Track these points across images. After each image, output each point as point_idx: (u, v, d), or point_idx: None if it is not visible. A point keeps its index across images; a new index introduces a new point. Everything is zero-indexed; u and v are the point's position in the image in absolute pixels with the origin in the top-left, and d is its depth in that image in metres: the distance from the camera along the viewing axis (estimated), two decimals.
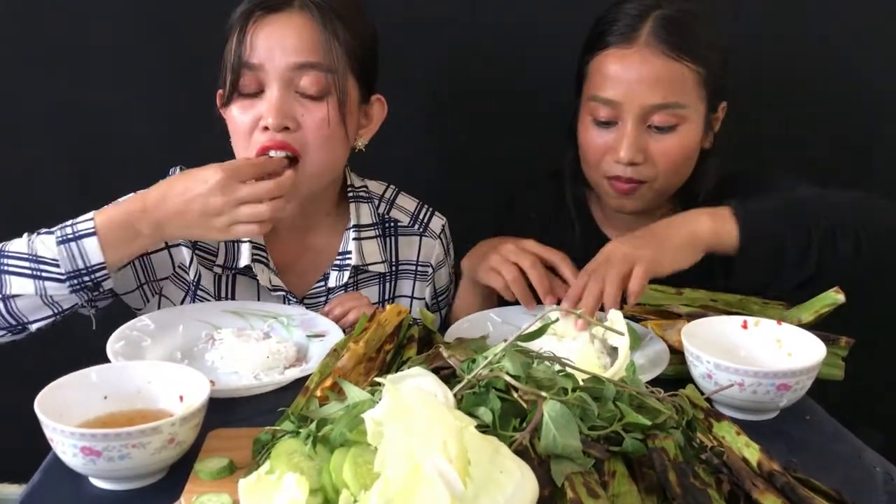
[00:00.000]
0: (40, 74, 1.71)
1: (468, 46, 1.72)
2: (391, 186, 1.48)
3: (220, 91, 1.32)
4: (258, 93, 1.25)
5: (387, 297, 1.44)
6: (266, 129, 1.23)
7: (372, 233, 1.42)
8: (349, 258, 1.38)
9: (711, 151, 1.41)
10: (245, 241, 1.34)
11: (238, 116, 1.26)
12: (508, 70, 1.73)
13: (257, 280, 1.34)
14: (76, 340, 1.23)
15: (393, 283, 1.45)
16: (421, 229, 1.45)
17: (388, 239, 1.44)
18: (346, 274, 1.38)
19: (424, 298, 1.46)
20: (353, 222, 1.39)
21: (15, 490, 2.00)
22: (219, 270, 1.36)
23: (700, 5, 1.36)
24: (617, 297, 1.18)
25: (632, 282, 1.17)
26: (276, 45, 1.23)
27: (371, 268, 1.40)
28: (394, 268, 1.44)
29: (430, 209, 1.48)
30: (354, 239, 1.38)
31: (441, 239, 1.47)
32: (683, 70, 1.30)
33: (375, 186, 1.46)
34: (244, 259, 1.34)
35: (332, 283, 1.38)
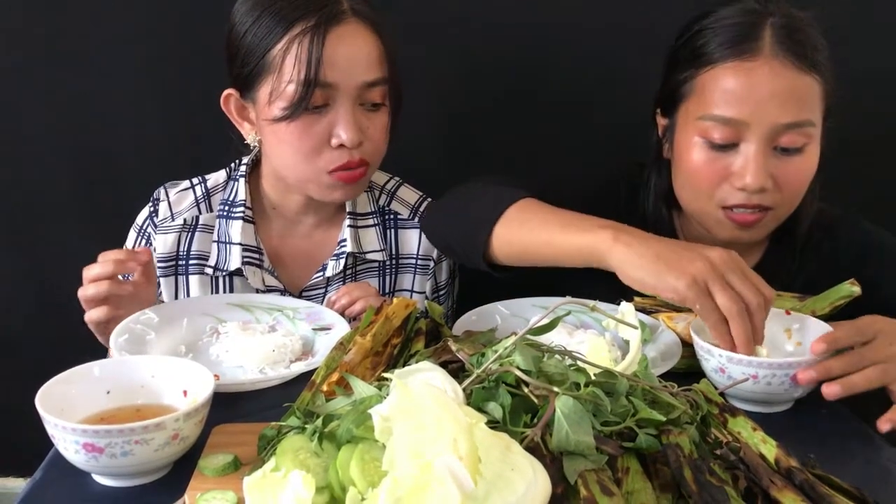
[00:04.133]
0: (41, 73, 1.70)
1: (484, 40, 1.70)
2: (394, 178, 1.47)
3: (228, 91, 1.30)
4: (323, 107, 1.23)
5: (387, 290, 1.43)
6: (341, 146, 1.23)
7: (370, 221, 1.41)
8: (345, 246, 1.37)
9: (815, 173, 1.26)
10: (235, 244, 1.34)
11: (304, 132, 1.23)
12: (522, 65, 1.71)
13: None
14: (81, 333, 1.22)
15: (393, 276, 1.43)
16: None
17: (388, 231, 1.42)
18: (342, 262, 1.36)
19: (425, 292, 1.44)
20: (348, 210, 1.38)
21: (20, 483, 1.99)
22: (210, 271, 1.36)
23: (805, 10, 1.23)
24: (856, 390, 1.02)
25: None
26: (350, 63, 1.22)
27: (369, 256, 1.39)
28: (394, 261, 1.43)
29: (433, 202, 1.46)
30: (350, 226, 1.38)
31: None
32: (812, 83, 1.17)
33: (378, 176, 1.45)
34: (234, 262, 1.34)
35: (329, 272, 1.37)
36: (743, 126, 1.17)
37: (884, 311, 1.10)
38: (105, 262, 1.17)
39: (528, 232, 1.15)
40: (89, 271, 1.17)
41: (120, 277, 1.19)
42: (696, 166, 1.22)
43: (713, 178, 1.20)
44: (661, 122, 1.32)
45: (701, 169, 1.21)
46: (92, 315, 1.18)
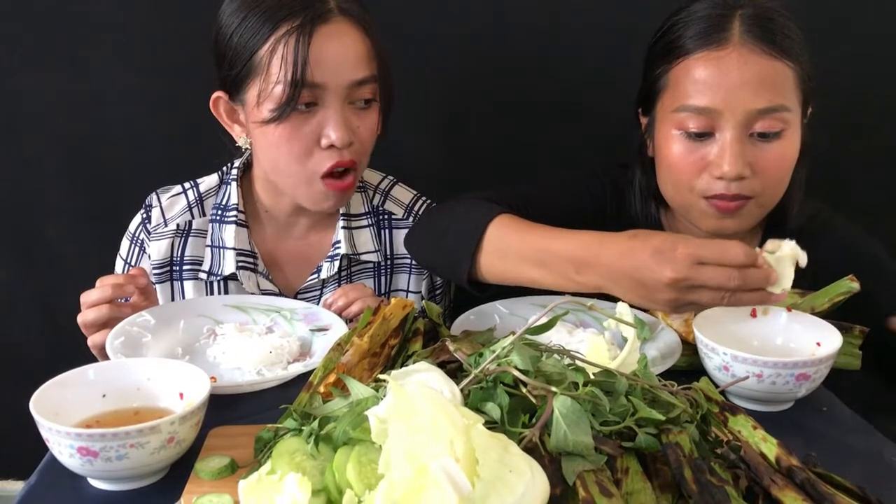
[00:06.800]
0: (40, 71, 1.69)
1: (484, 40, 1.69)
2: (388, 177, 1.46)
3: (217, 94, 1.29)
4: (310, 105, 1.22)
5: (382, 291, 1.42)
6: (330, 146, 1.22)
7: (364, 222, 1.40)
8: (339, 247, 1.36)
9: (800, 161, 1.26)
10: (229, 248, 1.34)
11: (294, 133, 1.22)
12: (522, 65, 1.70)
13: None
14: (79, 335, 1.21)
15: (388, 276, 1.42)
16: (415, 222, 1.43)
17: (382, 231, 1.42)
18: (337, 263, 1.36)
19: (421, 292, 1.44)
20: (341, 211, 1.37)
21: (17, 486, 1.99)
22: (204, 276, 1.35)
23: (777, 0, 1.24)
24: None
25: None
26: (337, 62, 1.21)
27: (364, 257, 1.39)
28: (389, 261, 1.42)
29: (427, 201, 1.45)
30: (344, 227, 1.37)
31: None
32: (784, 69, 1.18)
33: (371, 176, 1.44)
34: (228, 267, 1.34)
35: (324, 274, 1.37)
36: (717, 114, 1.18)
37: (876, 318, 1.15)
38: (103, 287, 1.16)
39: (510, 267, 1.15)
40: (88, 296, 1.17)
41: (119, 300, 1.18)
42: (675, 159, 1.23)
43: (692, 168, 1.21)
44: (643, 120, 1.32)
45: (680, 161, 1.22)
46: (94, 339, 1.18)
